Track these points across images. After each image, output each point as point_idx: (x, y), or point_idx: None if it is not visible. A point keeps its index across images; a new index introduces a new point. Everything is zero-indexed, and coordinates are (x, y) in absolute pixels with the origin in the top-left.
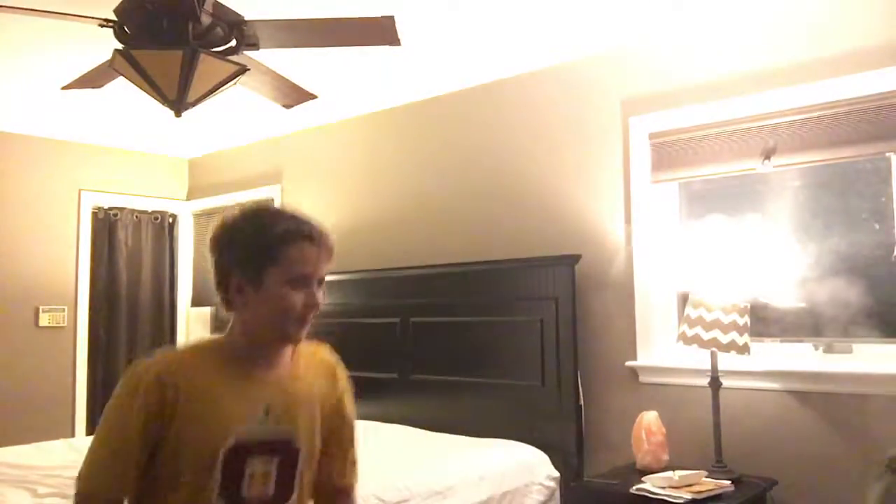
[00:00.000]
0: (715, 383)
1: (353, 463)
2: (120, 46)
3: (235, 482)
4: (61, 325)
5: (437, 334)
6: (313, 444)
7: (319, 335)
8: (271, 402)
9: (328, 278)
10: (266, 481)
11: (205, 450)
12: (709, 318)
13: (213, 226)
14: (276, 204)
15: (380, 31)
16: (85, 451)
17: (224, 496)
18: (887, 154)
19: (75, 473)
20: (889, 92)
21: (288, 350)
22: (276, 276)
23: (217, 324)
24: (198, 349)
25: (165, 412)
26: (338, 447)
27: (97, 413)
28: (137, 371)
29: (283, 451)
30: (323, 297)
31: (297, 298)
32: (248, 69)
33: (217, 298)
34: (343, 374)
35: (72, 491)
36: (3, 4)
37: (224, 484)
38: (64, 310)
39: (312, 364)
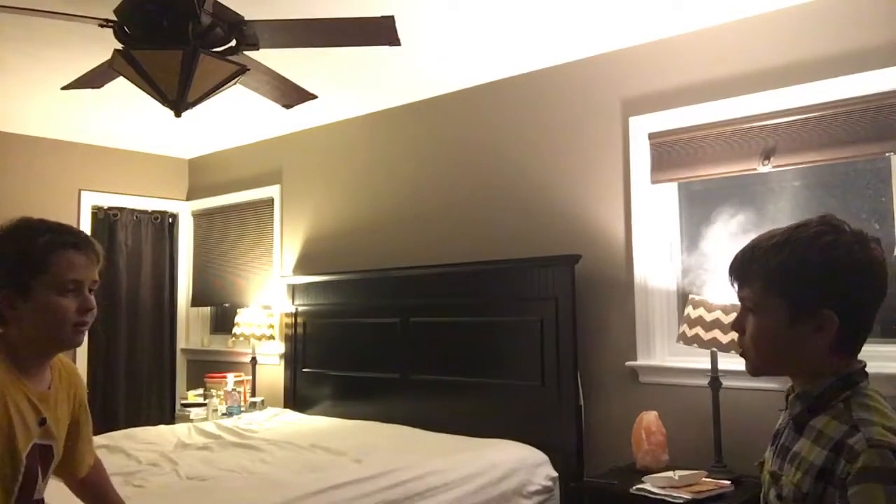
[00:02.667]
0: (715, 383)
1: (91, 440)
2: (120, 46)
3: (31, 485)
4: None
5: (437, 334)
6: (62, 446)
7: (320, 335)
8: (45, 413)
9: (328, 278)
10: (42, 482)
11: (11, 458)
12: (709, 318)
13: None
14: (37, 217)
15: (380, 31)
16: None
17: (22, 499)
18: (887, 154)
19: None
20: (889, 92)
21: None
22: (46, 286)
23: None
24: None
25: None
26: (86, 434)
27: (97, 413)
28: None
29: (48, 457)
30: (94, 303)
31: (70, 305)
32: (248, 69)
33: None
34: (78, 372)
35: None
36: (3, 4)
37: (23, 485)
38: None
39: (58, 367)
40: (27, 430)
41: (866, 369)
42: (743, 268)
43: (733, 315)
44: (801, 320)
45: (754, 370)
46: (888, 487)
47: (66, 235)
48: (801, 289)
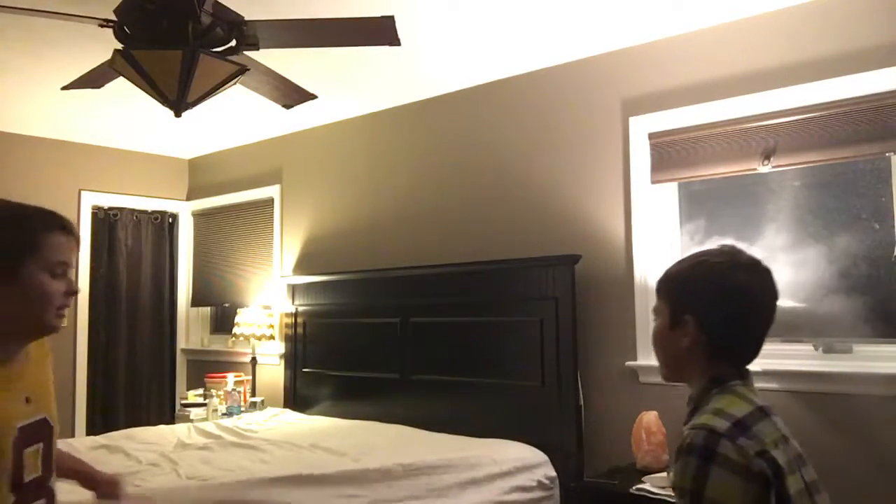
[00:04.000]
0: None
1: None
2: (120, 46)
3: (19, 470)
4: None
5: (437, 334)
6: (57, 420)
7: (320, 335)
8: (30, 391)
9: (328, 278)
10: (36, 463)
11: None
12: None
13: None
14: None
15: (380, 31)
16: (84, 451)
17: (13, 485)
18: (887, 154)
19: None
20: (889, 92)
21: None
22: (35, 266)
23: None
24: None
25: None
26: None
27: (97, 413)
28: None
29: (44, 433)
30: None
31: (59, 287)
32: (248, 69)
33: None
34: (49, 349)
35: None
36: (3, 4)
37: (13, 473)
38: None
39: (34, 347)
40: (13, 415)
41: (746, 373)
42: (657, 283)
43: None
44: (676, 324)
45: (662, 375)
46: (688, 458)
47: (54, 217)
48: (673, 294)
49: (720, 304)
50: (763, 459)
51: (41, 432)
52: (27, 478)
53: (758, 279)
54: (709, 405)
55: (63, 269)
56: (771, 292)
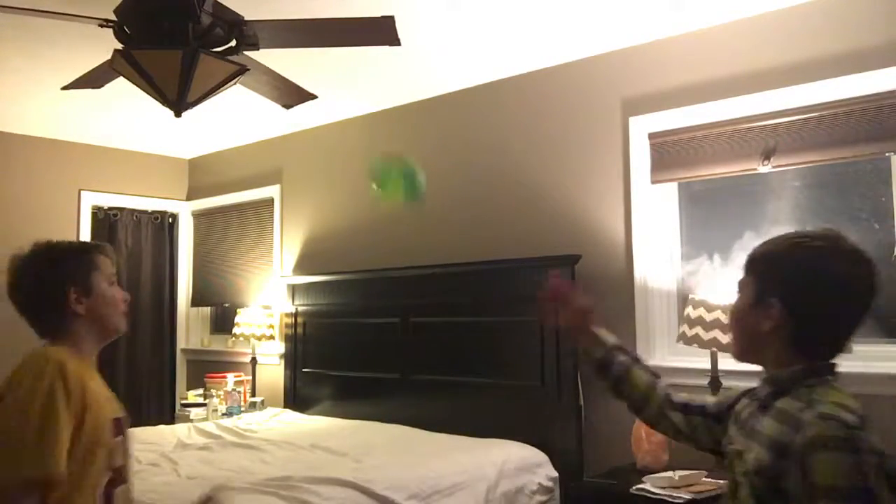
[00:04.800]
0: (715, 383)
1: None
2: (120, 46)
3: (112, 457)
4: None
5: (437, 334)
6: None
7: (320, 335)
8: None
9: (328, 278)
10: (121, 451)
11: (102, 441)
12: (709, 318)
13: (12, 270)
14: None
15: (380, 31)
16: None
17: (108, 468)
18: (887, 154)
19: None
20: (889, 92)
21: None
22: (100, 279)
23: (216, 324)
24: (64, 354)
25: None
26: None
27: None
28: (56, 360)
29: (124, 428)
30: None
31: (119, 293)
32: (248, 69)
33: (44, 324)
34: None
35: None
36: (4, 4)
37: (108, 459)
38: None
39: None
40: (110, 408)
41: (837, 370)
42: (747, 258)
43: None
44: (759, 304)
45: (733, 353)
46: (836, 454)
47: (98, 244)
48: (761, 273)
49: (812, 293)
50: (880, 457)
51: (123, 427)
52: (116, 464)
53: (858, 271)
54: (815, 396)
55: (115, 279)
56: (870, 286)
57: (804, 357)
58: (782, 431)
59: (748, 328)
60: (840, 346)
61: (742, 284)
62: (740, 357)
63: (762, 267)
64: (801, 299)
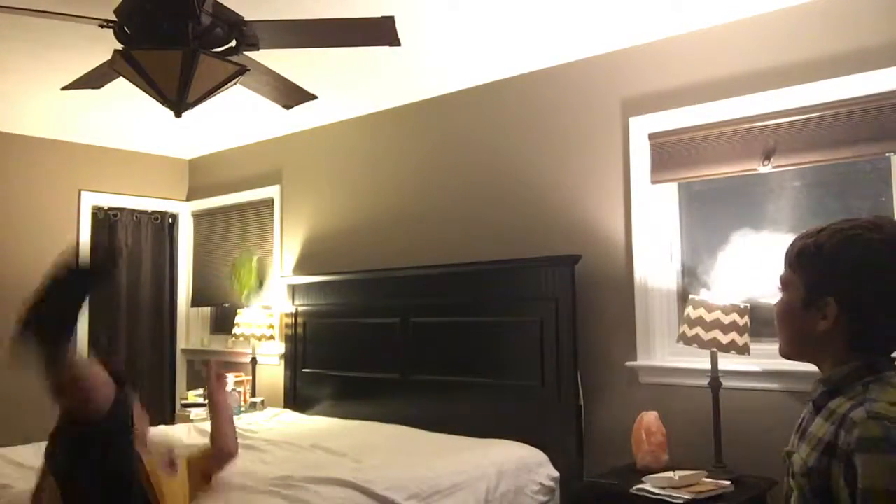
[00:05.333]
0: (715, 383)
1: None
2: (120, 46)
3: None
4: None
5: (437, 334)
6: None
7: (320, 335)
8: None
9: (328, 278)
10: None
11: None
12: (709, 318)
13: None
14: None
15: (380, 31)
16: None
17: None
18: (887, 154)
19: None
20: (889, 92)
21: None
22: None
23: (217, 324)
24: None
25: None
26: None
27: None
28: None
29: None
30: None
31: None
32: (248, 69)
33: None
34: None
35: None
36: (4, 4)
37: None
38: None
39: None
40: None
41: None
42: (788, 250)
43: (733, 315)
44: (812, 304)
45: (780, 351)
46: (886, 456)
47: None
48: (812, 271)
49: (869, 288)
50: None
51: None
52: None
53: None
54: (869, 394)
55: None
56: None
57: (862, 353)
58: (830, 431)
59: (803, 331)
60: (891, 337)
61: (787, 281)
62: (789, 356)
63: (812, 263)
64: (859, 296)
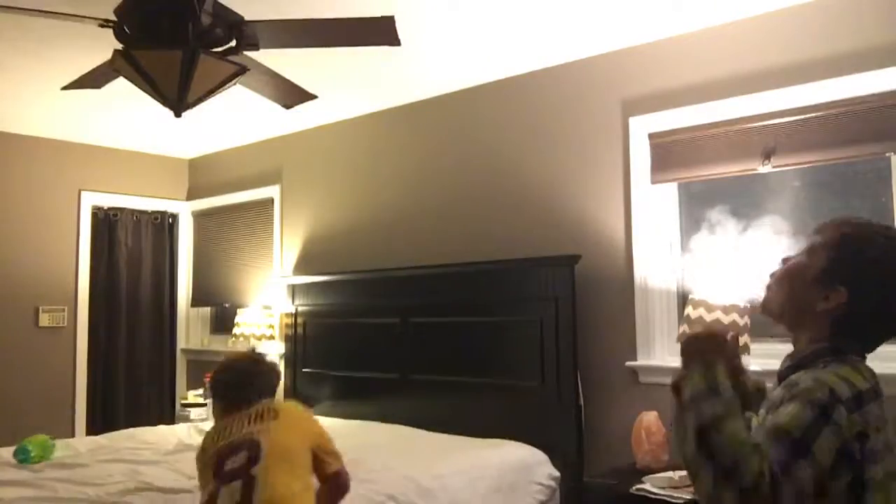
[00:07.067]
0: None
1: None
2: (120, 46)
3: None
4: (61, 325)
5: (437, 334)
6: None
7: (320, 335)
8: None
9: (328, 278)
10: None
11: None
12: (709, 318)
13: None
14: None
15: (380, 31)
16: (84, 451)
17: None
18: (887, 154)
19: None
20: (889, 92)
21: None
22: None
23: (217, 324)
24: None
25: None
26: None
27: (97, 413)
28: None
29: None
30: None
31: None
32: (248, 69)
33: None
34: None
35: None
36: (4, 4)
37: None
38: (64, 310)
39: None
40: None
41: (864, 357)
42: (832, 226)
43: (733, 315)
44: (823, 282)
45: (767, 309)
46: (805, 407)
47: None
48: (845, 261)
49: (882, 291)
50: (858, 442)
51: None
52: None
53: None
54: (826, 368)
55: None
56: None
57: (838, 340)
58: (781, 395)
59: (802, 301)
60: (877, 343)
61: (812, 250)
62: (775, 317)
63: (842, 247)
64: (870, 295)
